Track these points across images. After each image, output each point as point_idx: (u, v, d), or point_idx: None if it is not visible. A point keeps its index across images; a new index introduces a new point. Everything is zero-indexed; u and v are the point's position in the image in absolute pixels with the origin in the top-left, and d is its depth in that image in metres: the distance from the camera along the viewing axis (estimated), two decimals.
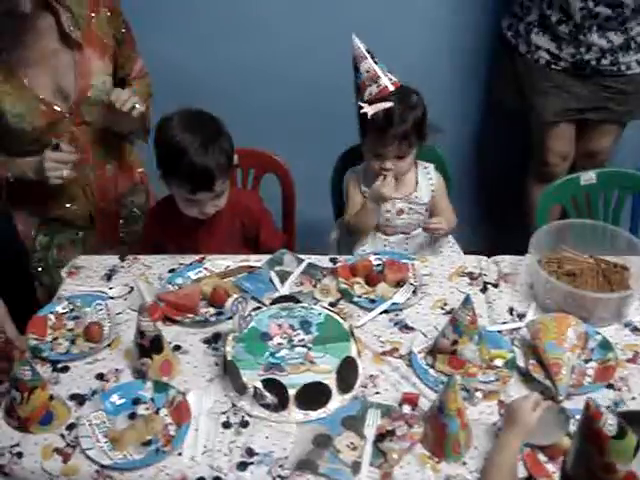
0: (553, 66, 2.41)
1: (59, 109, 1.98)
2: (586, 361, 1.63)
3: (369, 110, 1.96)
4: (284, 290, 1.85)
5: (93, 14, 1.97)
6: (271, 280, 1.89)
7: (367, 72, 1.96)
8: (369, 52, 1.96)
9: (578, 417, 1.45)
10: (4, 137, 1.97)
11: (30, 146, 1.97)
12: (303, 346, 1.61)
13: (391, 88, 1.97)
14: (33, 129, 1.95)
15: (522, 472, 1.39)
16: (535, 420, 1.38)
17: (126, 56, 2.11)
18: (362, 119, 2.00)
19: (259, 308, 1.76)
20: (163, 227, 2.08)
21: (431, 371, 1.62)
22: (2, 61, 1.89)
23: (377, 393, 1.57)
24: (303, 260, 1.95)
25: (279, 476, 1.40)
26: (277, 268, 1.93)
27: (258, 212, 2.13)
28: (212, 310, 1.79)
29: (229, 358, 1.57)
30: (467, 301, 1.59)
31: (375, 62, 1.96)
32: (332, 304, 1.81)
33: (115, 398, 1.55)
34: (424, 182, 2.15)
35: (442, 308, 1.81)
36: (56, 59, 1.95)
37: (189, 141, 1.86)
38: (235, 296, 1.68)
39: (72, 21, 1.93)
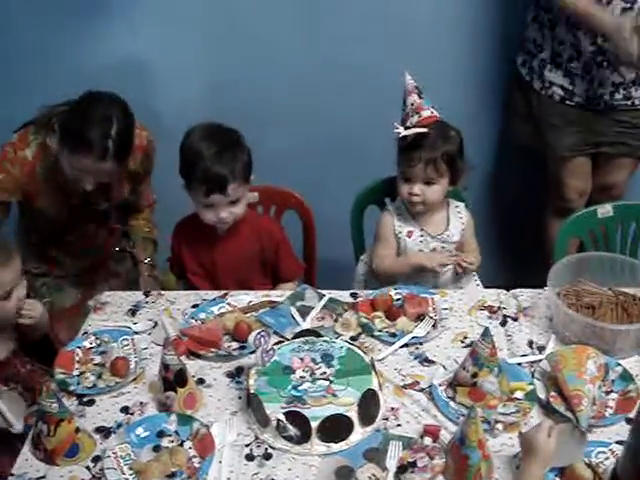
0: (567, 102, 2.44)
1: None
2: (607, 393, 1.63)
3: (402, 131, 2.02)
4: (305, 324, 1.87)
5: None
6: (292, 315, 1.91)
7: (412, 105, 2.03)
8: (417, 88, 2.04)
9: (600, 449, 1.47)
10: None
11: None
12: (325, 379, 1.62)
13: (430, 119, 2.02)
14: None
15: None
16: (553, 446, 1.38)
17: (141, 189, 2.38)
18: (399, 145, 2.06)
19: (281, 342, 1.78)
20: (185, 241, 2.16)
21: (452, 403, 1.62)
22: None
23: (398, 425, 1.58)
24: (324, 295, 1.98)
25: None
26: (298, 303, 1.95)
27: (278, 238, 2.17)
28: (235, 344, 1.82)
29: (252, 391, 1.59)
30: (486, 334, 1.60)
31: (421, 97, 2.03)
32: (353, 338, 1.83)
33: (140, 431, 1.57)
34: (455, 220, 2.18)
35: (462, 341, 1.82)
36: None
37: (205, 147, 1.97)
38: (257, 330, 1.71)
39: None
